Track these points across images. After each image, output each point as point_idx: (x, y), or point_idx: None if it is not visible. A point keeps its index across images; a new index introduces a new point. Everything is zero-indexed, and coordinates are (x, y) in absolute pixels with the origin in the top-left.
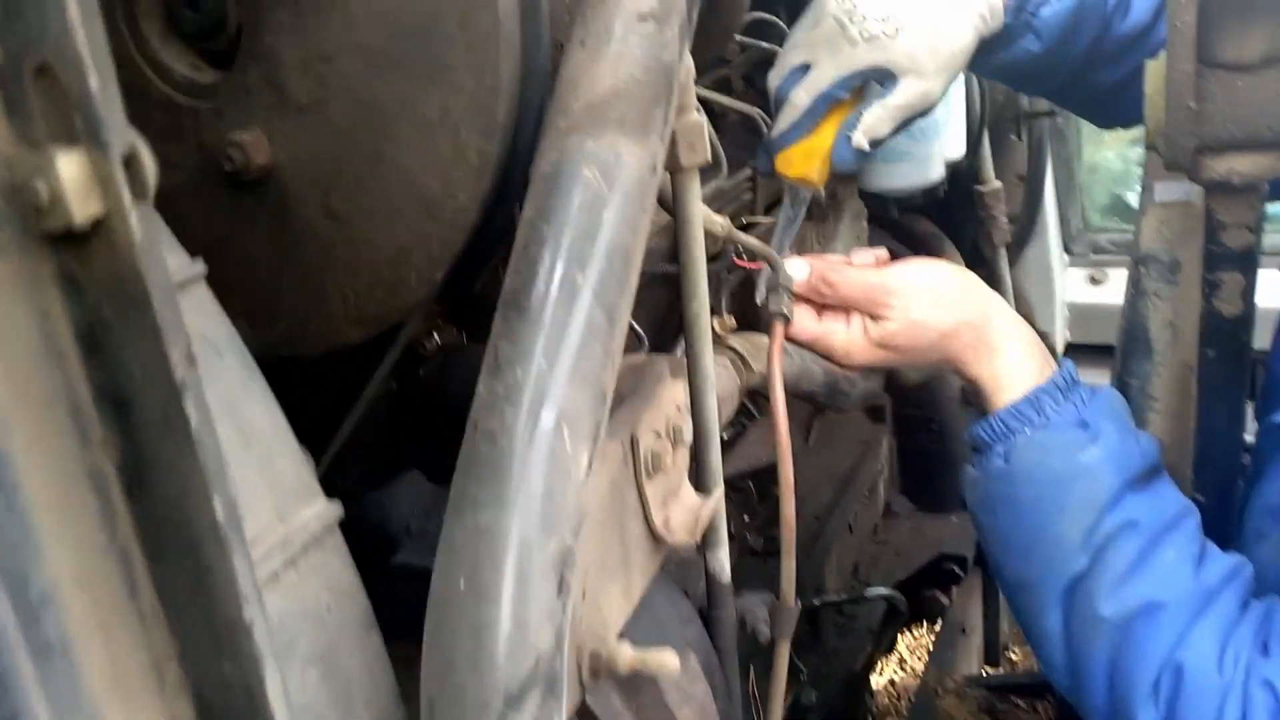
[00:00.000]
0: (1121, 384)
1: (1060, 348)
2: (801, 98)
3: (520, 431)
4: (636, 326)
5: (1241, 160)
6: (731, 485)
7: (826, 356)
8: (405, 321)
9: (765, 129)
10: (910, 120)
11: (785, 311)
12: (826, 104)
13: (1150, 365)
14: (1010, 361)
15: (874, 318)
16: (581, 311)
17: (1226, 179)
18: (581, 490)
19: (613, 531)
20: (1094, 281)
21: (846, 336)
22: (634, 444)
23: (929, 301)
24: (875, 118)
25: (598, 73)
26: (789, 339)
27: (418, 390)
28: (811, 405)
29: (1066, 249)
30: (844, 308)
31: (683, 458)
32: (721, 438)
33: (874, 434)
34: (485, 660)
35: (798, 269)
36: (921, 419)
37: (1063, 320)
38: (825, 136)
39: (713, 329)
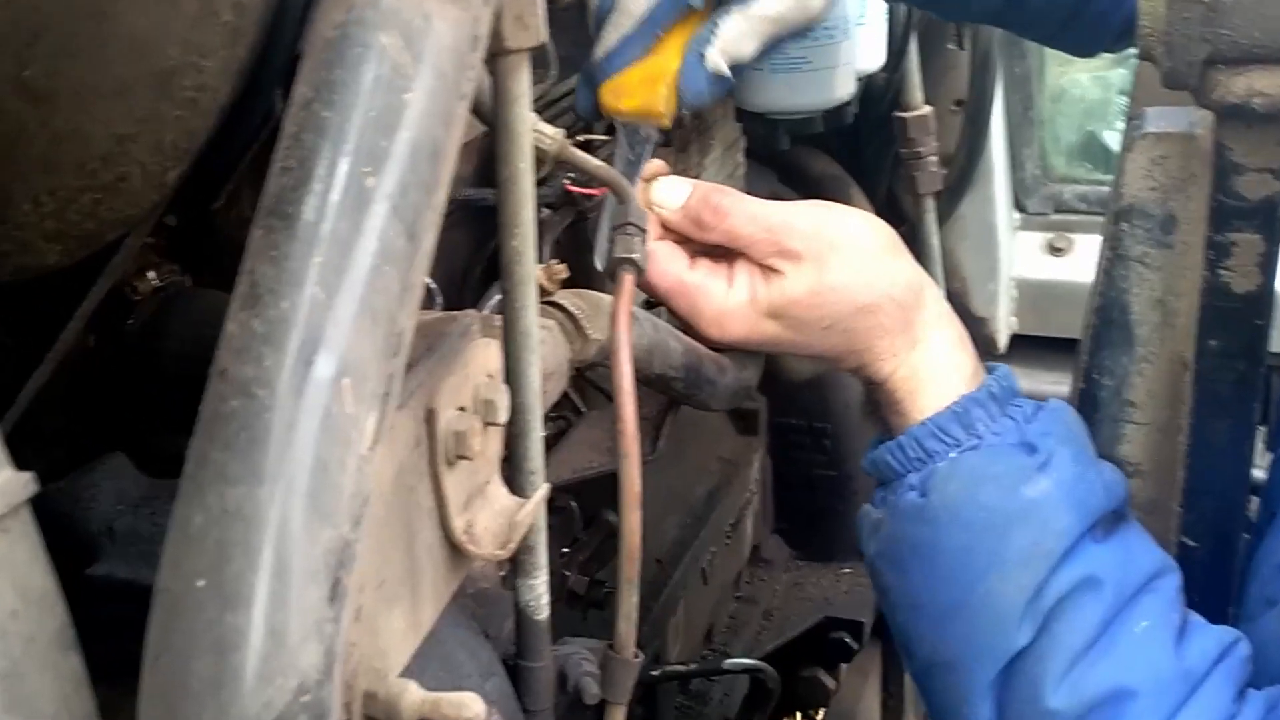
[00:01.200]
0: (1088, 386)
1: (1004, 340)
2: (634, 3)
3: (285, 381)
4: (430, 282)
5: (1267, 78)
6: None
7: (690, 323)
8: (121, 244)
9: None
10: (783, 37)
11: (637, 258)
12: (670, 12)
13: (1129, 359)
14: (935, 359)
15: (769, 272)
16: (374, 225)
17: (1245, 102)
18: (366, 466)
19: (397, 534)
20: (1054, 250)
21: (724, 296)
22: (431, 419)
23: (852, 260)
24: (736, 30)
25: None
26: (643, 291)
27: (124, 346)
28: (664, 396)
29: (1018, 205)
30: (726, 255)
31: (494, 443)
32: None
33: (742, 450)
34: (230, 683)
35: (673, 190)
36: (809, 431)
37: (1008, 302)
38: (669, 56)
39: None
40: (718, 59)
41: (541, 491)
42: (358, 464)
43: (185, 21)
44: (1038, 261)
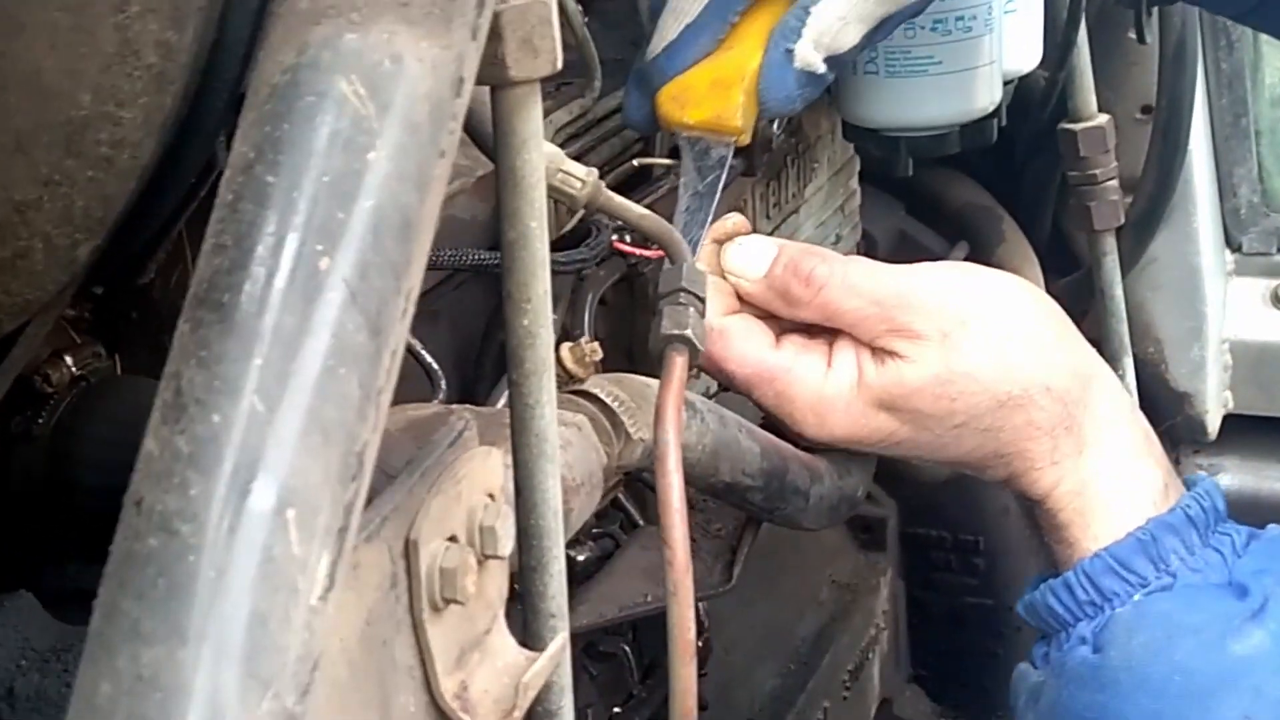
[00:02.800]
0: None
1: (1214, 423)
2: None
3: (215, 514)
4: (424, 354)
5: None
6: (589, 645)
7: (780, 417)
8: (23, 333)
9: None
10: (898, 19)
11: (689, 335)
12: None
13: None
14: (1111, 469)
15: (881, 354)
16: (326, 318)
17: None
18: (316, 619)
19: (366, 701)
20: (1279, 302)
21: (822, 382)
22: (409, 553)
23: (992, 340)
24: (834, 13)
25: None
26: (707, 373)
27: (31, 453)
28: (740, 512)
29: (1229, 242)
30: (822, 331)
31: (496, 581)
32: (571, 556)
33: (865, 571)
34: None
35: (753, 255)
36: (954, 547)
37: (1220, 372)
38: (747, 51)
39: (559, 363)
40: (810, 52)
41: (558, 641)
42: (305, 617)
43: (99, 63)
44: (1257, 317)
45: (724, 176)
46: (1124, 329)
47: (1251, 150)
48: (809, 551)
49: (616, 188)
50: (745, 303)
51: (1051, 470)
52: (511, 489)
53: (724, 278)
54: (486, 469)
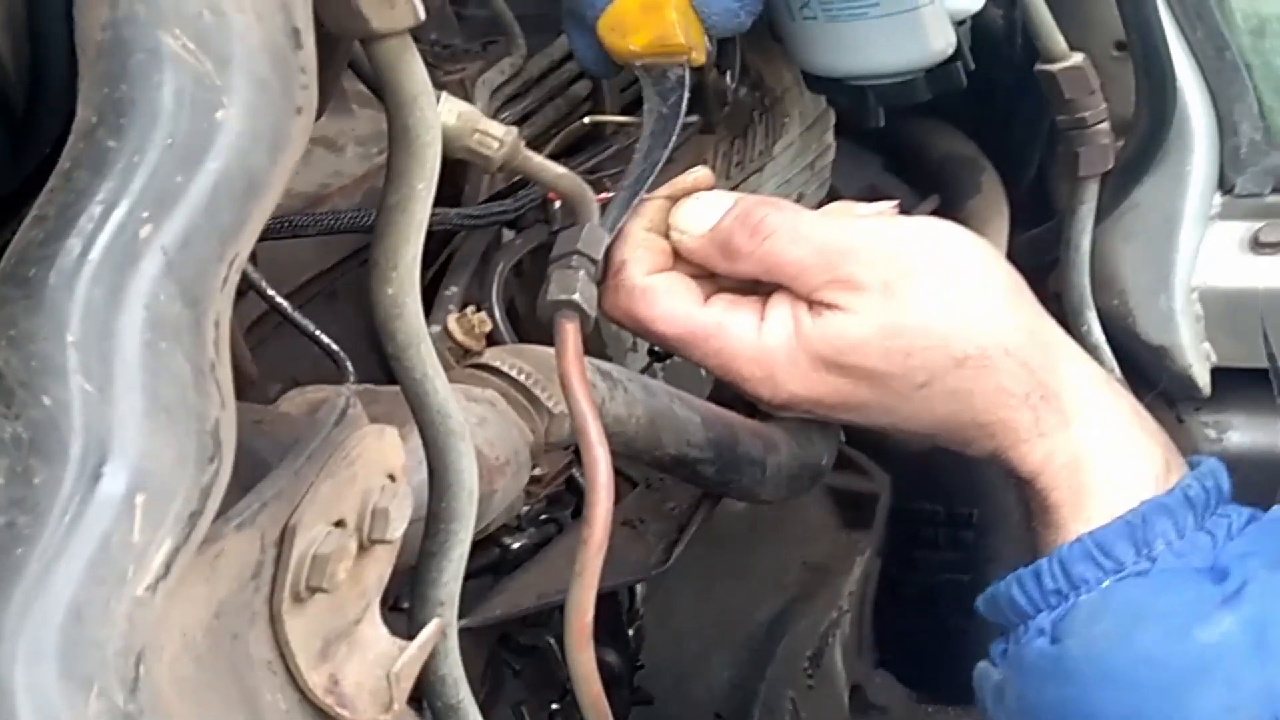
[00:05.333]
0: None
1: (1203, 377)
2: None
3: (59, 505)
4: (322, 336)
5: None
6: (504, 637)
7: (726, 378)
8: None
9: None
10: None
11: (578, 300)
12: None
13: None
14: (1106, 442)
15: (816, 305)
16: (137, 290)
17: None
18: (141, 610)
19: (223, 697)
20: (1260, 246)
21: (757, 337)
22: (284, 540)
23: (939, 294)
24: None
25: None
26: (638, 335)
27: None
28: (694, 486)
29: (1222, 183)
30: (752, 291)
31: (377, 568)
32: (506, 544)
33: (842, 550)
34: None
35: (702, 212)
36: (946, 521)
37: (1192, 323)
38: None
39: (448, 335)
40: None
41: (428, 630)
42: (127, 609)
43: None
44: (1234, 262)
45: (685, 95)
46: (1085, 281)
47: (1247, 84)
48: (787, 531)
49: (568, 148)
50: (680, 261)
51: (1040, 443)
52: (419, 471)
53: (667, 235)
54: (383, 448)
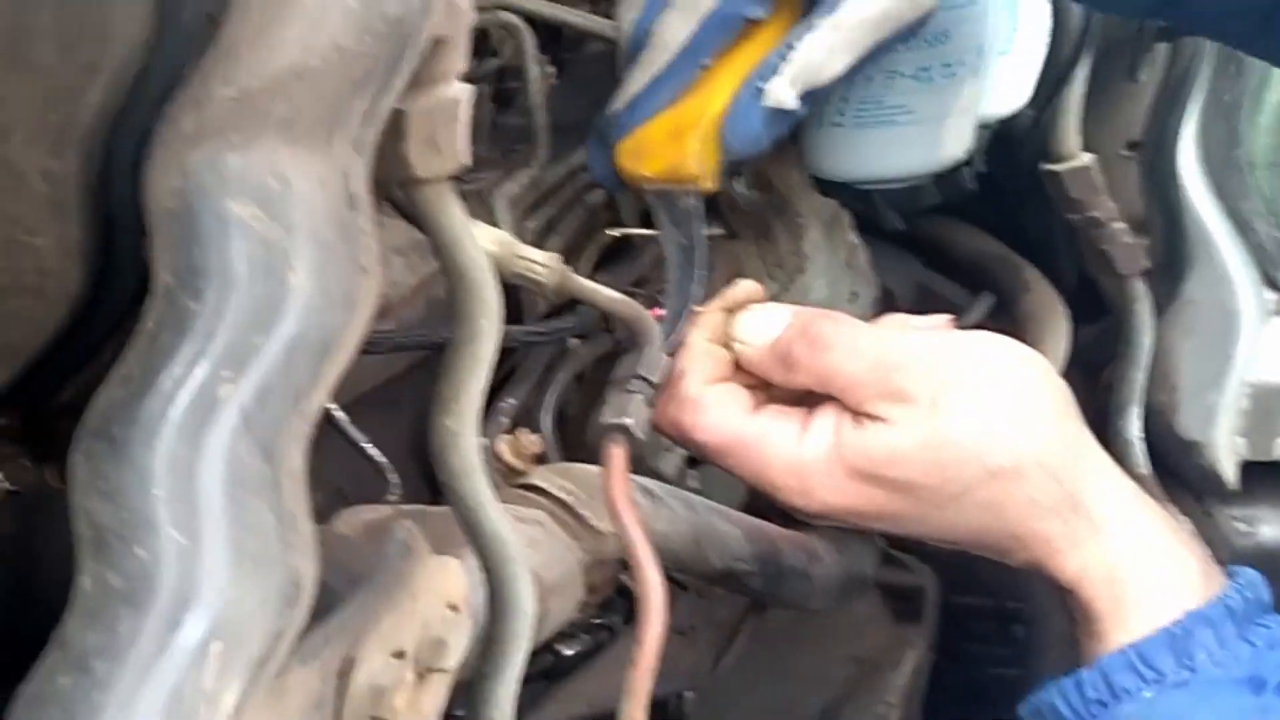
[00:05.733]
0: None
1: (1231, 470)
2: (675, 30)
3: (140, 650)
4: (370, 449)
5: None
6: None
7: (761, 488)
8: None
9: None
10: (888, 46)
11: (629, 424)
12: (718, 33)
13: None
14: (1141, 550)
15: (860, 416)
16: (217, 445)
17: None
18: None
19: None
20: None
21: (796, 448)
22: (345, 672)
23: (978, 406)
24: (823, 46)
25: (275, 40)
26: (680, 445)
27: None
28: (744, 595)
29: (1269, 279)
30: (803, 401)
31: (433, 696)
32: (558, 650)
33: (892, 644)
34: None
35: (765, 323)
36: (994, 616)
37: (1234, 418)
38: (711, 96)
39: (498, 457)
40: (784, 89)
41: None
42: None
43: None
44: None
45: (702, 229)
46: (1140, 376)
47: (1247, 183)
48: (835, 628)
49: (599, 260)
50: (739, 371)
51: (1075, 554)
52: (478, 594)
53: (727, 345)
54: (446, 579)
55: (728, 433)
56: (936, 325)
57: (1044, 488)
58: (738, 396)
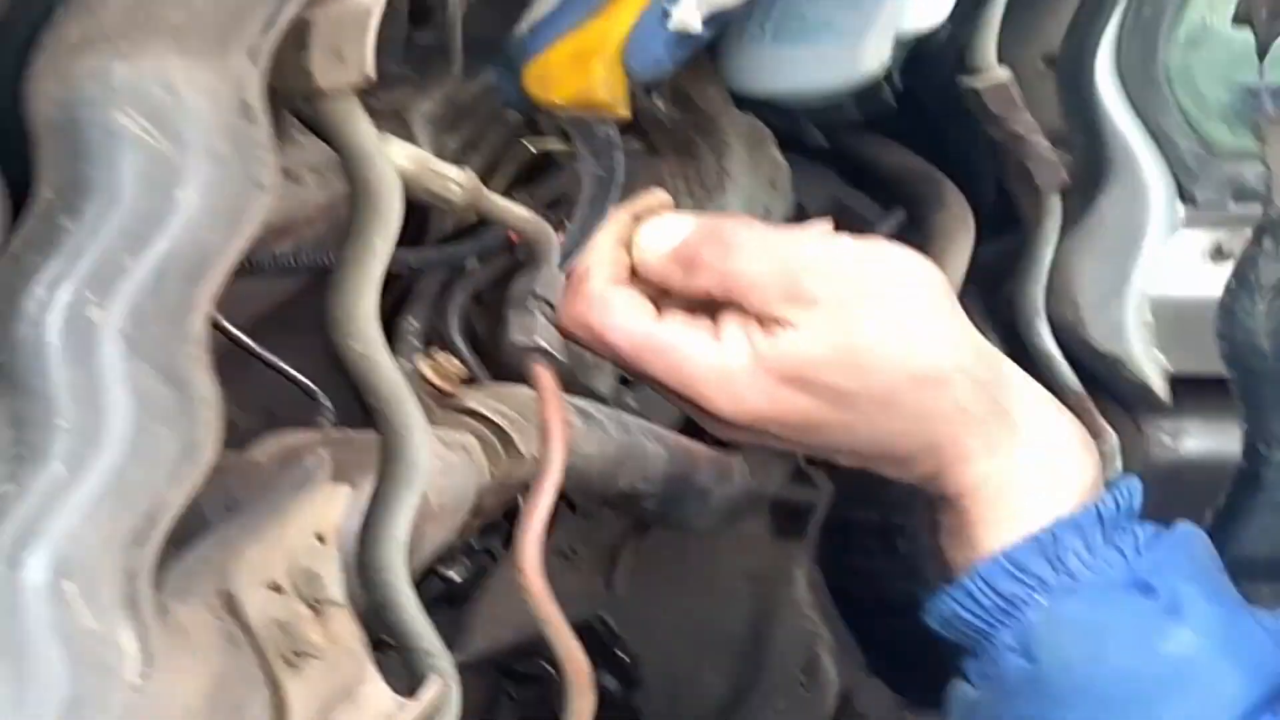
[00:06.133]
0: (1249, 464)
1: (1161, 384)
2: None
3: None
4: (297, 375)
5: None
6: (505, 669)
7: (688, 399)
8: None
9: None
10: None
11: (542, 343)
12: None
13: None
14: (1040, 462)
15: (767, 321)
16: (112, 370)
17: None
18: (143, 703)
19: None
20: (1221, 255)
21: (717, 354)
22: (231, 607)
23: (894, 315)
24: None
25: None
26: (587, 348)
27: None
28: (633, 517)
29: (1182, 194)
30: (702, 310)
31: (349, 626)
32: (448, 576)
33: (780, 561)
34: None
35: (665, 233)
36: (877, 531)
37: (1140, 330)
38: (617, 19)
39: (424, 380)
40: (690, 12)
41: (433, 687)
42: (123, 697)
43: None
44: (1194, 272)
45: (619, 155)
46: (1039, 290)
47: (1168, 98)
48: (722, 544)
49: (519, 176)
50: (636, 280)
51: (983, 463)
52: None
53: (628, 252)
54: (322, 509)
55: (640, 336)
56: (823, 230)
57: (970, 395)
58: (642, 301)
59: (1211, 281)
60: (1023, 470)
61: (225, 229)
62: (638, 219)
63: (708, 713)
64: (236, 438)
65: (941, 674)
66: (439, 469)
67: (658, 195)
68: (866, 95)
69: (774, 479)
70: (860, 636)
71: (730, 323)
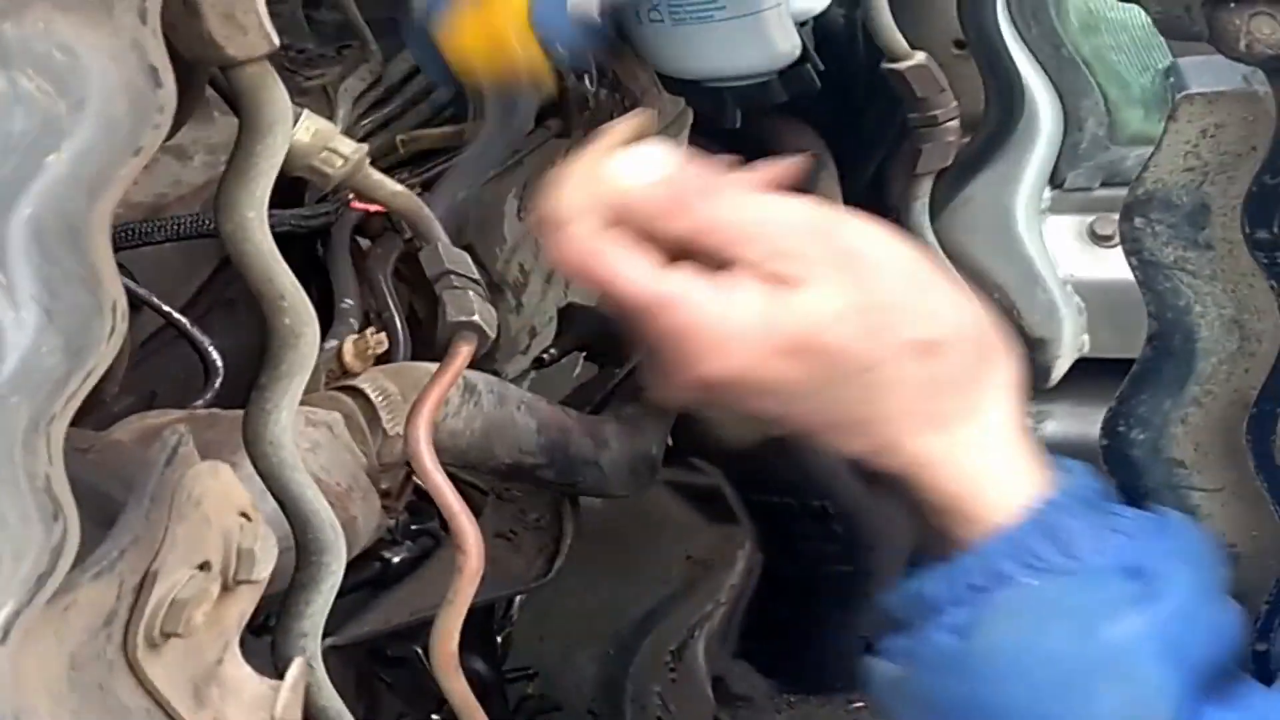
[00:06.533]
0: (1111, 442)
1: (1062, 369)
2: None
3: None
4: (204, 342)
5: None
6: (373, 651)
7: (679, 351)
8: None
9: None
10: None
11: (479, 321)
12: None
13: (1173, 402)
14: (1001, 442)
15: (781, 275)
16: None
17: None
18: None
19: None
20: (1097, 238)
21: (725, 312)
22: (144, 586)
23: (899, 275)
24: None
25: None
26: (612, 309)
27: None
28: (555, 497)
29: (1054, 177)
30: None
31: (239, 606)
32: (386, 558)
33: (721, 546)
34: None
35: (651, 162)
36: (814, 515)
37: (1076, 315)
38: None
39: (339, 358)
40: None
41: (295, 670)
42: None
43: None
44: (1079, 254)
45: (519, 124)
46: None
47: (1090, 81)
48: (667, 527)
49: (433, 152)
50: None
51: (933, 438)
52: (267, 501)
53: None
54: (223, 486)
55: (655, 288)
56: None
57: (962, 366)
58: (642, 249)
59: (1093, 264)
60: (985, 446)
61: (86, 197)
62: (608, 151)
63: (588, 695)
64: (110, 419)
65: (820, 660)
66: (306, 447)
67: (641, 117)
68: (791, 77)
69: (650, 439)
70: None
71: (742, 277)
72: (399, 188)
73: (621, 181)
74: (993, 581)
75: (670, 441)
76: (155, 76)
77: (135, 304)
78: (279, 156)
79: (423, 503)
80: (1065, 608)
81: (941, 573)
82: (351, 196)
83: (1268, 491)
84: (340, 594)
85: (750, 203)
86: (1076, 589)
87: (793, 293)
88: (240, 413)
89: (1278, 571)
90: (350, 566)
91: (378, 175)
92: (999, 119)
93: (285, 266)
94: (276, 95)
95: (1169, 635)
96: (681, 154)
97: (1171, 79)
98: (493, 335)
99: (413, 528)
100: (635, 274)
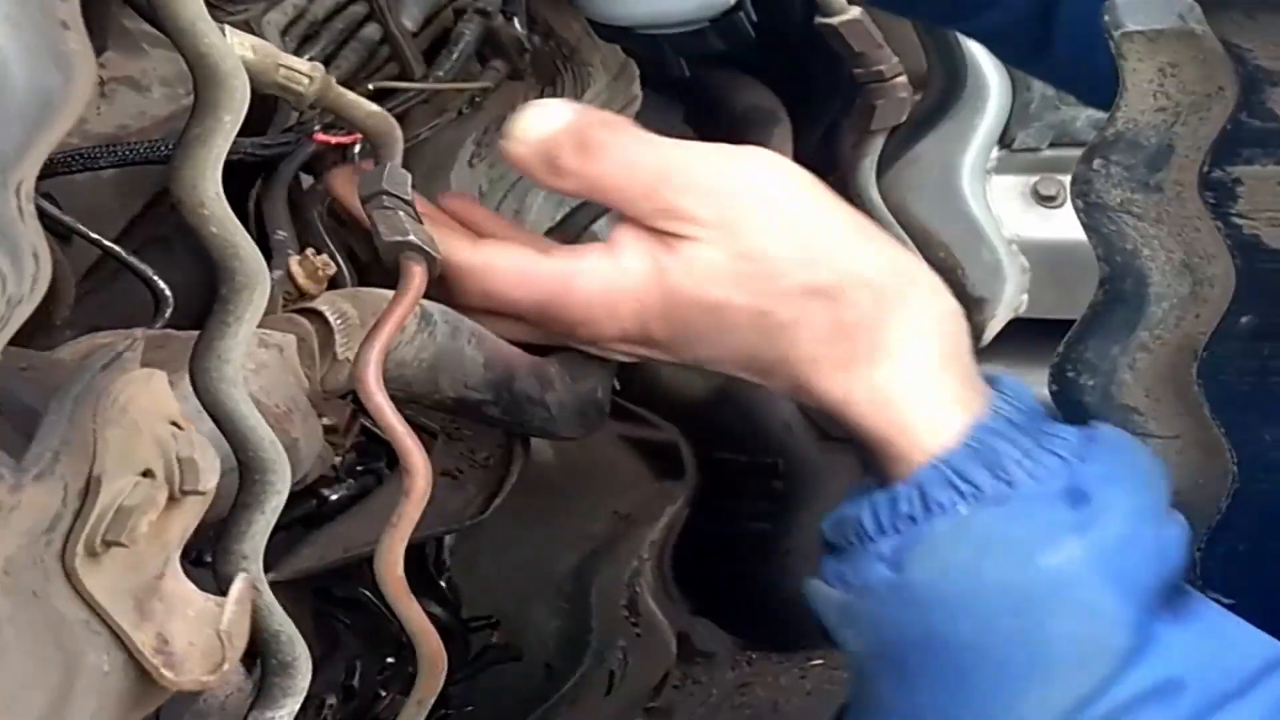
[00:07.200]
0: (1061, 388)
1: (995, 328)
2: None
3: None
4: (149, 273)
5: None
6: (320, 590)
7: (551, 318)
8: None
9: None
10: None
11: (415, 240)
12: None
13: (1121, 348)
14: (914, 379)
15: (662, 235)
16: None
17: None
18: None
19: (42, 658)
20: (1042, 199)
21: (613, 275)
22: (90, 491)
23: (788, 216)
24: None
25: None
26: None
27: None
28: (505, 437)
29: (1003, 137)
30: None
31: (183, 519)
32: (324, 495)
33: (655, 499)
34: None
35: (545, 118)
36: (757, 470)
37: (1019, 274)
38: None
39: (291, 278)
40: None
41: (239, 584)
42: None
43: None
44: (1023, 214)
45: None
46: (894, 229)
47: None
48: (600, 481)
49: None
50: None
51: (841, 378)
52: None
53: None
54: (152, 393)
55: (542, 279)
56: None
57: (858, 307)
58: (516, 246)
59: (1037, 224)
60: (898, 384)
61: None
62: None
63: (551, 649)
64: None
65: (772, 618)
66: (250, 368)
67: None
68: (725, 26)
69: (594, 382)
70: (701, 577)
71: (626, 236)
72: (374, 108)
73: (508, 139)
74: (921, 510)
75: (628, 397)
76: None
77: (66, 235)
78: (223, 52)
79: (372, 444)
80: (1000, 537)
81: (870, 500)
82: (317, 128)
83: (1225, 437)
84: (274, 529)
85: (640, 157)
86: (1010, 517)
87: (676, 252)
88: (194, 334)
89: (1212, 521)
90: (286, 500)
91: (350, 94)
92: (943, 78)
93: (219, 174)
94: (196, 5)
95: (1111, 558)
96: (578, 108)
97: (1107, 16)
98: (438, 255)
99: (358, 468)
100: (526, 267)
